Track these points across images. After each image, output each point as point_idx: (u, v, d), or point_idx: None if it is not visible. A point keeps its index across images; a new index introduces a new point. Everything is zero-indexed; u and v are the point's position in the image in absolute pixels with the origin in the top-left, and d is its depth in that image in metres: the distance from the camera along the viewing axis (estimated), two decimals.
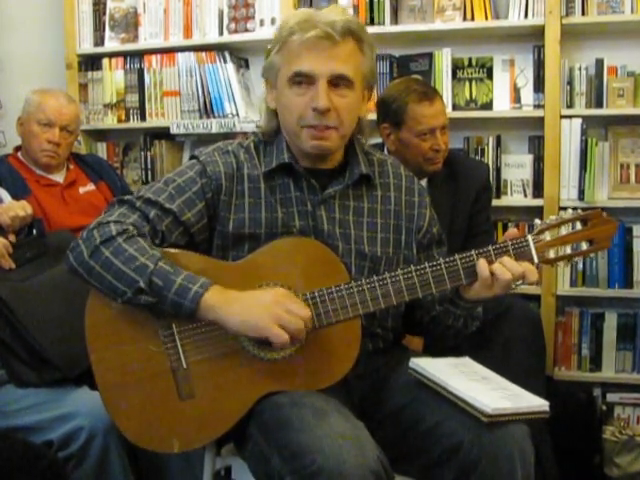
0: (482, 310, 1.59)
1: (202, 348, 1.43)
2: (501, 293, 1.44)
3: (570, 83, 2.67)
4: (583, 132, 2.63)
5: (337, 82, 1.45)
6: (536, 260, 1.44)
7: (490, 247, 1.44)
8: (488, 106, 2.79)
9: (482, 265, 1.42)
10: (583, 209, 2.58)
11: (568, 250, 1.47)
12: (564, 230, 1.46)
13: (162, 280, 1.36)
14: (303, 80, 1.45)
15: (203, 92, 2.97)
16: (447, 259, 1.44)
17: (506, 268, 1.40)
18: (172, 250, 1.46)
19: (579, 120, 2.63)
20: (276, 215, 1.51)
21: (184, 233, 1.49)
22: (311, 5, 2.84)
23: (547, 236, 1.46)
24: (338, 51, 1.44)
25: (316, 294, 1.41)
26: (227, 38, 2.97)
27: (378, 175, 1.60)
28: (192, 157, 1.58)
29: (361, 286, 1.42)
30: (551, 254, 1.46)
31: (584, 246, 1.47)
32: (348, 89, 1.47)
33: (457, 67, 2.81)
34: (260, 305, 1.34)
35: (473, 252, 1.44)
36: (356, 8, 2.79)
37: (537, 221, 1.48)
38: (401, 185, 1.62)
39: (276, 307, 1.33)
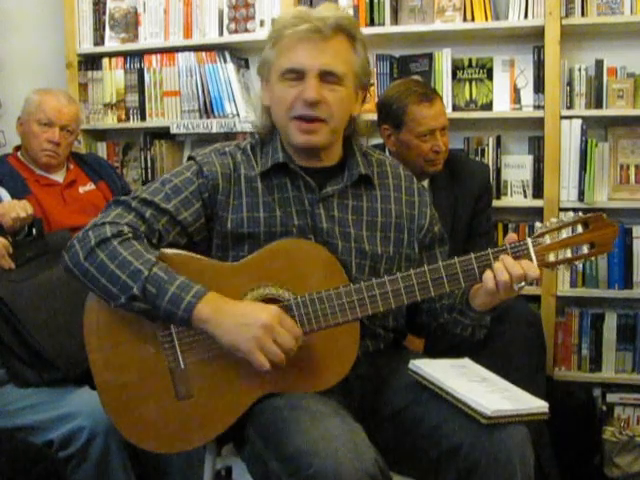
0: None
1: (200, 349, 1.43)
2: (505, 297, 1.43)
3: (570, 84, 2.67)
4: (583, 133, 2.63)
5: (326, 77, 1.46)
6: (535, 263, 1.42)
7: (489, 250, 1.43)
8: (488, 107, 2.79)
9: (488, 276, 1.41)
10: (583, 210, 2.60)
11: (569, 254, 1.45)
12: (565, 233, 1.44)
13: (156, 288, 1.35)
14: (293, 76, 1.46)
15: (203, 92, 2.97)
16: (446, 262, 1.43)
17: (505, 269, 1.40)
18: (169, 251, 1.45)
19: (579, 121, 2.63)
20: (274, 215, 1.51)
21: (181, 233, 1.49)
22: (311, 5, 2.85)
23: (547, 239, 1.44)
24: (328, 46, 1.45)
25: (314, 296, 1.41)
26: (227, 38, 2.97)
27: (377, 175, 1.60)
28: (189, 158, 1.58)
29: (360, 289, 1.41)
30: (551, 257, 1.44)
31: (585, 250, 1.45)
32: (338, 85, 1.48)
33: (457, 68, 2.81)
34: (249, 328, 1.33)
35: (472, 255, 1.43)
36: (356, 8, 2.79)
37: (538, 224, 1.47)
38: (401, 185, 1.62)
39: (264, 335, 1.33)
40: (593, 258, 1.47)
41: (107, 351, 1.44)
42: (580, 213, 1.47)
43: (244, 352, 1.34)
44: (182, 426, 1.43)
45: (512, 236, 1.47)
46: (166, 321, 1.39)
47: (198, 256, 1.48)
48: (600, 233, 1.44)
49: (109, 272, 1.38)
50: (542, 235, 1.44)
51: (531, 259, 1.43)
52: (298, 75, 1.46)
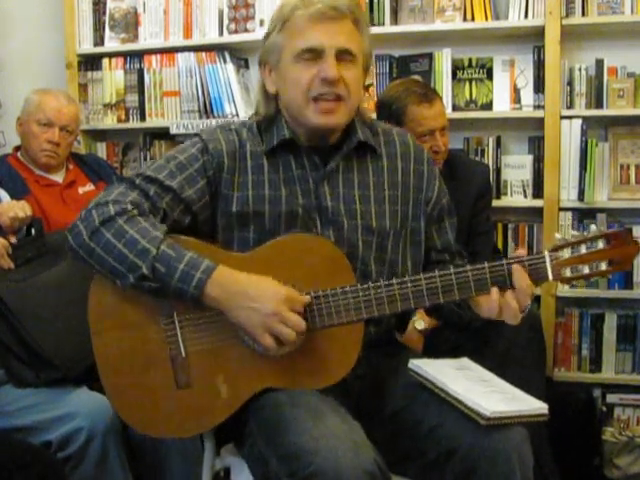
0: None
1: (202, 338, 1.43)
2: (510, 322, 1.42)
3: (570, 84, 2.67)
4: (583, 133, 2.63)
5: (343, 56, 1.46)
6: (551, 278, 1.38)
7: (504, 261, 1.40)
8: (488, 107, 2.79)
9: (494, 295, 1.39)
10: (583, 210, 2.62)
11: (586, 269, 1.39)
12: (584, 248, 1.39)
13: (165, 266, 1.36)
14: (310, 56, 1.45)
15: (203, 92, 2.97)
16: (458, 270, 1.40)
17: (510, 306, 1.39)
18: (176, 237, 1.44)
19: (579, 121, 2.63)
20: (280, 193, 1.50)
21: (185, 211, 1.49)
22: None
23: (565, 253, 1.38)
24: (342, 27, 1.46)
25: (320, 294, 1.40)
26: (227, 38, 2.97)
27: (384, 144, 1.58)
28: (195, 135, 1.57)
29: (367, 290, 1.40)
30: (567, 272, 1.39)
31: (603, 266, 1.39)
32: (352, 63, 1.48)
33: (457, 68, 2.81)
34: (258, 314, 1.34)
35: (486, 265, 1.40)
36: None
37: (557, 235, 1.42)
38: (409, 153, 1.60)
39: (272, 319, 1.34)
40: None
41: (110, 334, 1.44)
42: (600, 228, 1.42)
43: (253, 335, 1.36)
44: (180, 414, 1.43)
45: (520, 253, 1.45)
46: (177, 299, 1.39)
47: (205, 243, 1.46)
48: (621, 250, 1.39)
49: (116, 252, 1.37)
50: (560, 248, 1.39)
51: (547, 273, 1.39)
52: (315, 55, 1.45)
